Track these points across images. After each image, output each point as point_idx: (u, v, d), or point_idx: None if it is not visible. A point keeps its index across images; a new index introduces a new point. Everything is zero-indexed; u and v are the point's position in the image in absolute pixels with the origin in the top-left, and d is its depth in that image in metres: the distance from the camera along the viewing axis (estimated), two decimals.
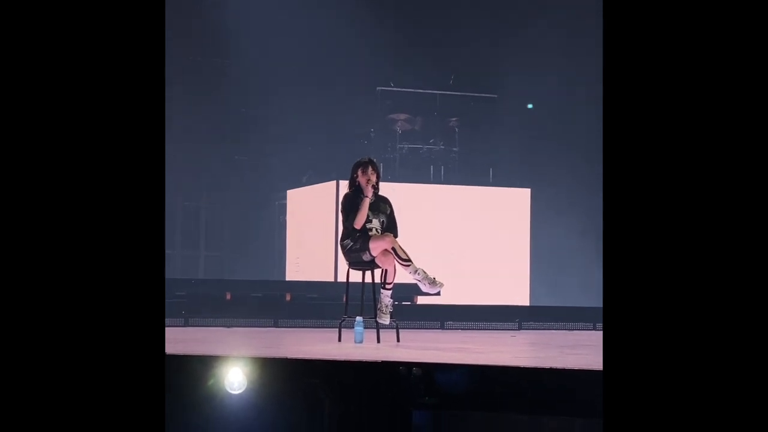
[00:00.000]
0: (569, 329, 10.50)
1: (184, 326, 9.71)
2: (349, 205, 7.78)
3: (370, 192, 7.70)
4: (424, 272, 7.67)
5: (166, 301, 7.41)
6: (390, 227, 7.82)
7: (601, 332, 10.21)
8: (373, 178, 7.77)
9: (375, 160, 8.01)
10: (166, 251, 11.47)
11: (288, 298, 10.96)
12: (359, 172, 7.79)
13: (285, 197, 13.58)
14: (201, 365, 5.40)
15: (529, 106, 14.67)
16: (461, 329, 10.22)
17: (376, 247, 7.64)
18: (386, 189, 8.07)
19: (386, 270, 7.71)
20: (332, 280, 11.52)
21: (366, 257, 7.70)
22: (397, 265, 7.66)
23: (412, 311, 10.44)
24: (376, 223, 7.78)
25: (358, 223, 7.71)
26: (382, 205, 7.85)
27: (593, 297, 13.93)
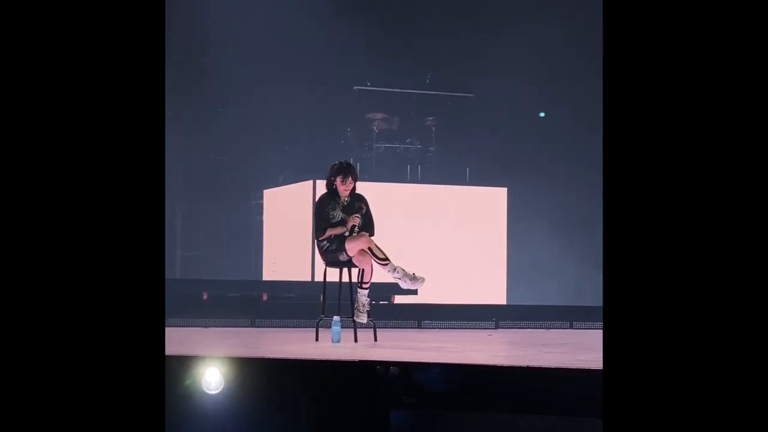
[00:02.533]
0: (546, 328, 10.52)
1: None
2: (320, 216, 7.75)
3: (350, 225, 7.67)
4: (403, 270, 7.67)
5: None
6: (366, 226, 7.81)
7: (577, 331, 10.31)
8: (350, 187, 7.75)
9: (351, 161, 8.00)
10: None
11: (265, 297, 10.94)
12: (338, 180, 7.75)
13: (262, 197, 13.55)
14: (178, 365, 5.39)
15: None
16: (438, 328, 10.23)
17: (352, 248, 7.64)
18: (362, 188, 8.03)
19: (363, 269, 7.72)
20: (309, 279, 11.51)
21: (343, 257, 7.70)
22: (374, 264, 7.67)
23: (390, 310, 10.44)
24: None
25: (320, 237, 7.72)
26: (357, 205, 7.82)
27: (569, 296, 13.99)
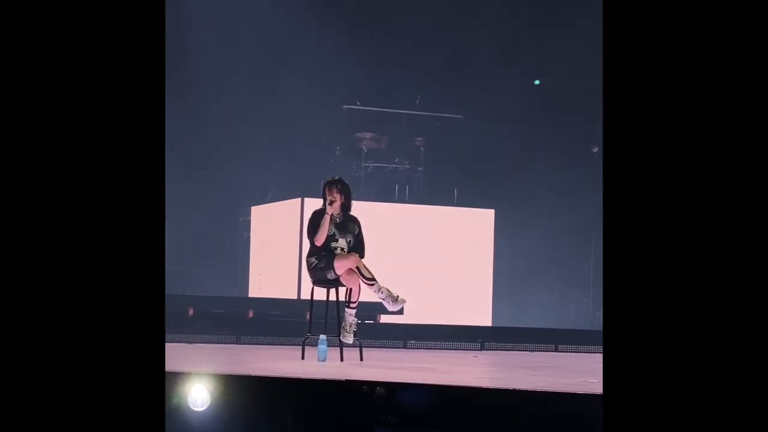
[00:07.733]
0: (531, 350, 10.53)
1: None
2: (313, 222, 7.83)
3: (330, 210, 7.73)
4: (388, 291, 7.69)
5: None
6: (357, 247, 7.85)
7: (562, 354, 10.32)
8: (338, 198, 7.78)
9: (345, 180, 8.03)
10: None
11: (250, 314, 10.92)
12: (326, 190, 7.83)
13: (249, 213, 13.55)
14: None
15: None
16: (424, 349, 10.23)
17: (341, 266, 7.66)
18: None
19: (350, 289, 7.73)
20: (295, 297, 11.50)
21: (331, 276, 7.72)
22: (361, 284, 7.69)
23: (376, 330, 10.43)
24: (342, 243, 7.80)
25: (318, 240, 7.75)
26: (350, 225, 7.87)
27: (554, 319, 14.01)
